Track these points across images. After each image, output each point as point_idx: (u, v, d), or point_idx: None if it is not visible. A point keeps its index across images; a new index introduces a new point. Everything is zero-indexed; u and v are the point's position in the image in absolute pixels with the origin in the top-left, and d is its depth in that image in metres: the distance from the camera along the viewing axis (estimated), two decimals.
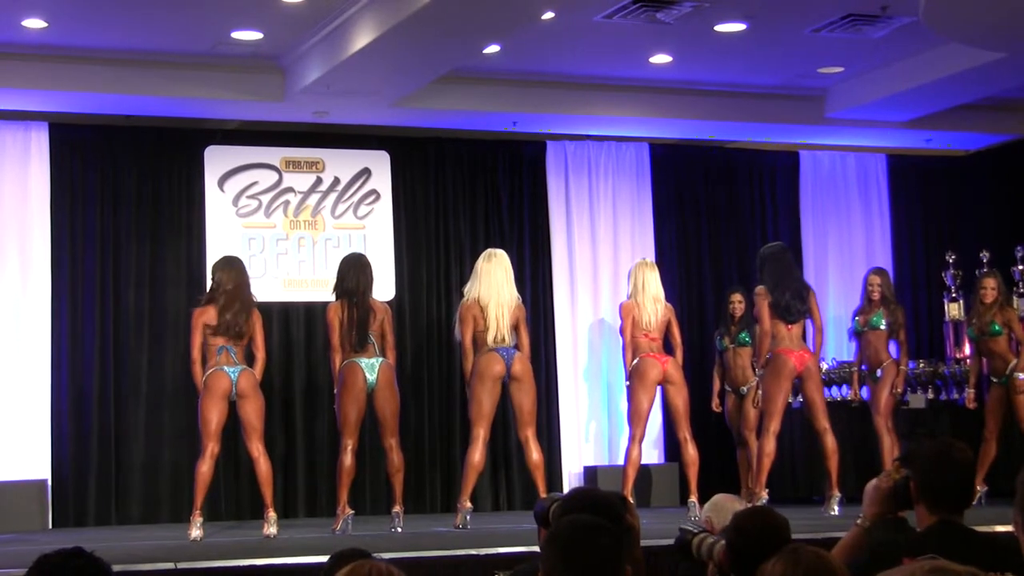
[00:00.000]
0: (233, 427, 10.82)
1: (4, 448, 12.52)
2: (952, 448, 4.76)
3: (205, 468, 10.39)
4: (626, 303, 11.93)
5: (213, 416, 10.45)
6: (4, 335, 12.67)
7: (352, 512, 10.68)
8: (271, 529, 10.34)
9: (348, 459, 10.66)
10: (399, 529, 10.48)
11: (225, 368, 10.47)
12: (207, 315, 10.57)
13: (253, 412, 10.55)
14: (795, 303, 11.70)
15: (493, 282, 11.02)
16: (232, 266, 10.85)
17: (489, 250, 11.42)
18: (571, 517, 3.85)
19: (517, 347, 11.04)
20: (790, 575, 3.51)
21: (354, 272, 10.83)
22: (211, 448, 10.43)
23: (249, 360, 10.70)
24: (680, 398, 11.78)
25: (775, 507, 5.18)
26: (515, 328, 11.04)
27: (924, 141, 15.13)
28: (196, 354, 10.57)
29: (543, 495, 10.54)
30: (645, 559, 4.79)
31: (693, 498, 11.42)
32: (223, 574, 7.84)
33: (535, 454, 11.02)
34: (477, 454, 10.93)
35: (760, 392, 11.79)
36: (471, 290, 11.12)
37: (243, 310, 10.61)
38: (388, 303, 11.75)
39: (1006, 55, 12.03)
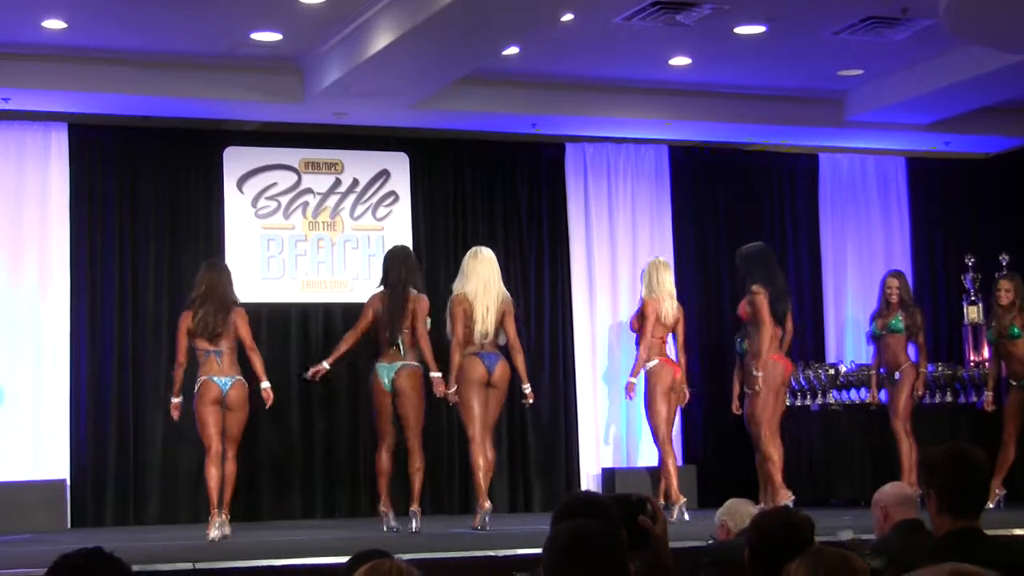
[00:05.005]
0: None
1: (24, 448, 12.56)
2: (968, 451, 4.74)
3: (213, 470, 10.59)
4: (650, 300, 11.97)
5: (209, 420, 10.65)
6: (24, 336, 12.70)
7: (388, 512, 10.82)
8: (215, 532, 10.40)
9: (380, 457, 11.02)
10: (415, 526, 10.54)
11: (215, 378, 10.62)
12: (187, 319, 10.75)
13: (235, 424, 10.74)
14: (785, 305, 11.78)
15: (480, 279, 11.11)
16: (207, 268, 11.04)
17: (474, 248, 11.53)
18: (570, 523, 3.81)
19: (507, 344, 11.16)
20: None
21: (396, 265, 11.08)
22: (215, 448, 10.63)
23: (244, 365, 10.80)
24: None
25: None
26: (502, 323, 11.09)
27: (944, 144, 15.09)
28: (180, 357, 10.77)
29: (483, 498, 10.68)
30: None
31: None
32: (242, 574, 7.84)
33: (489, 455, 11.14)
34: (480, 456, 11.04)
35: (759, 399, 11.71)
36: (458, 287, 11.23)
37: (217, 309, 10.71)
38: None
39: None
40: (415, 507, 10.76)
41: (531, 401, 11.54)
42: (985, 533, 4.68)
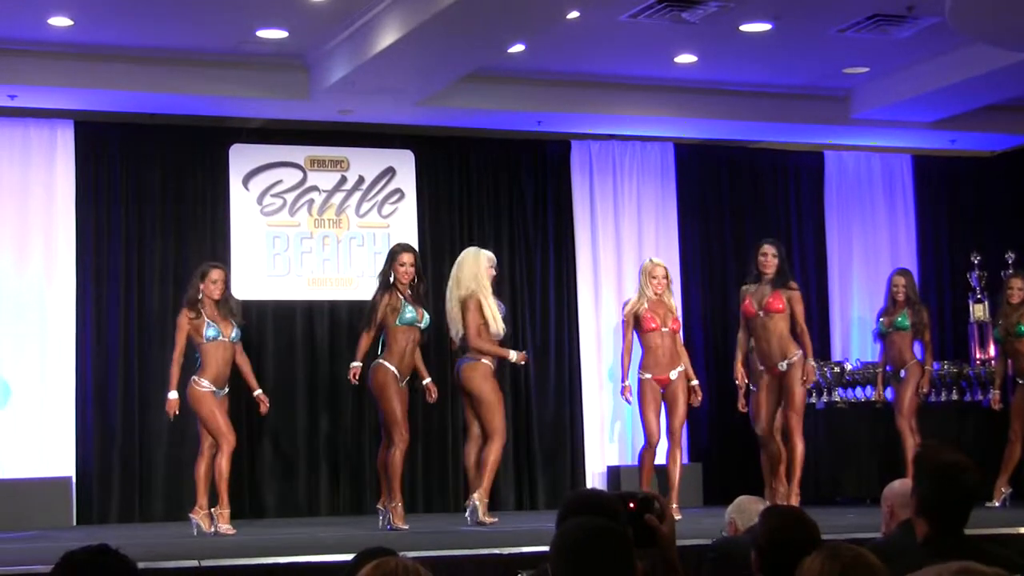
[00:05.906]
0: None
1: (29, 445, 12.56)
2: (957, 471, 4.67)
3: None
4: None
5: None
6: (29, 332, 12.71)
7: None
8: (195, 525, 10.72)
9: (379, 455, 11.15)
10: (386, 522, 10.64)
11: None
12: None
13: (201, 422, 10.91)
14: None
15: (453, 282, 11.17)
16: None
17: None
18: (578, 521, 3.79)
19: (469, 350, 11.10)
20: (828, 572, 3.49)
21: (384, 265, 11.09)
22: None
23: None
24: None
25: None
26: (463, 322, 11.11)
27: (949, 142, 15.08)
28: None
29: (485, 492, 10.77)
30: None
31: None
32: (247, 571, 7.84)
33: (492, 456, 11.06)
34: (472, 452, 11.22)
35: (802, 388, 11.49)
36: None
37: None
38: None
39: None
40: (390, 502, 10.74)
41: (522, 362, 11.51)
42: (967, 537, 4.65)
